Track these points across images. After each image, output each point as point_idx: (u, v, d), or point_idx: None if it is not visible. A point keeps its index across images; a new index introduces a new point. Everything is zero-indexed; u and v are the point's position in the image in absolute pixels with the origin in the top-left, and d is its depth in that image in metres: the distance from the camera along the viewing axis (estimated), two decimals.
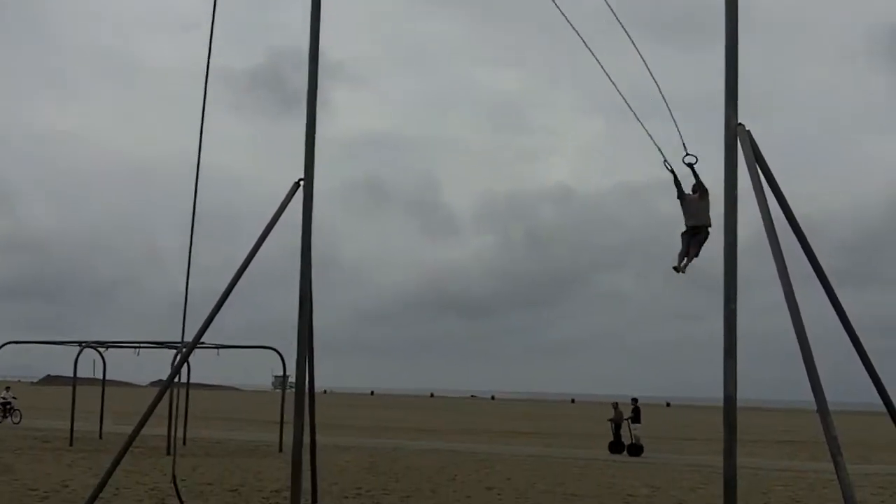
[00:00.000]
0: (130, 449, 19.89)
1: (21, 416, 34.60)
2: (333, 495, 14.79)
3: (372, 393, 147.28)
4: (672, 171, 11.27)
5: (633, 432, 27.29)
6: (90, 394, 27.46)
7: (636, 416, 27.51)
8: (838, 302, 9.93)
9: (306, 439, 12.05)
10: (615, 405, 29.08)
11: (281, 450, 24.06)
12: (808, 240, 9.77)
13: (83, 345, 25.11)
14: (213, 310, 11.81)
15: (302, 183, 11.96)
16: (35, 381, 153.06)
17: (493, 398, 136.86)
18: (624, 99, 11.35)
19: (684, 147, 11.05)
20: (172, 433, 20.57)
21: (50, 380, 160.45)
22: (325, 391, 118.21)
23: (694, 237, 11.53)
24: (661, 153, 11.36)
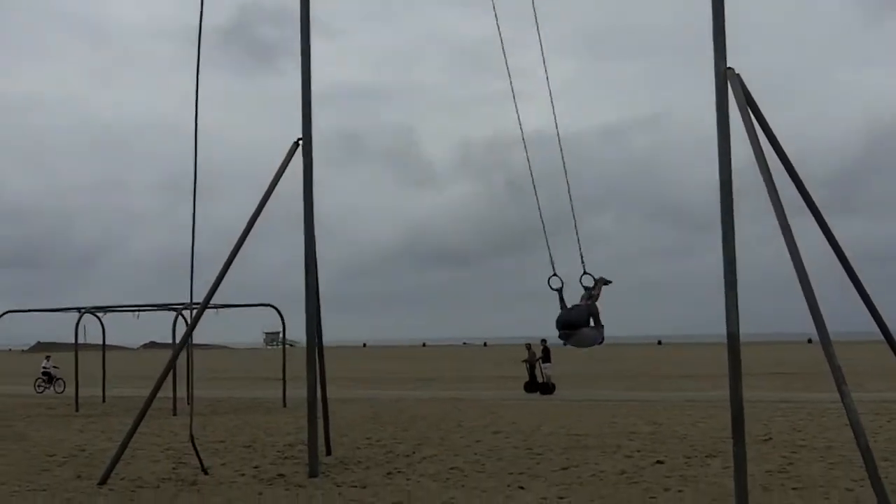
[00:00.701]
0: (135, 412, 20.28)
1: (65, 385, 32.85)
2: (346, 446, 15.14)
3: (364, 345, 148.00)
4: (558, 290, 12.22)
5: (544, 371, 28.65)
6: (84, 359, 27.69)
7: (546, 357, 28.80)
8: (832, 234, 10.24)
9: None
10: (528, 346, 30.19)
11: (285, 405, 24.40)
12: (801, 178, 10.06)
13: (83, 311, 25.33)
14: (221, 271, 12.07)
15: (301, 143, 12.18)
16: (26, 348, 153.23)
17: (485, 345, 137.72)
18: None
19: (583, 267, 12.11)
20: (190, 393, 20.92)
21: (41, 346, 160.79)
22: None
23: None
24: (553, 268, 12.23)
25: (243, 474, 12.36)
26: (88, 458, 14.35)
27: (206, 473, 12.15)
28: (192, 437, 12.73)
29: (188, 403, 22.90)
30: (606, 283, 12.25)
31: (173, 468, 13.05)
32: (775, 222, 8.96)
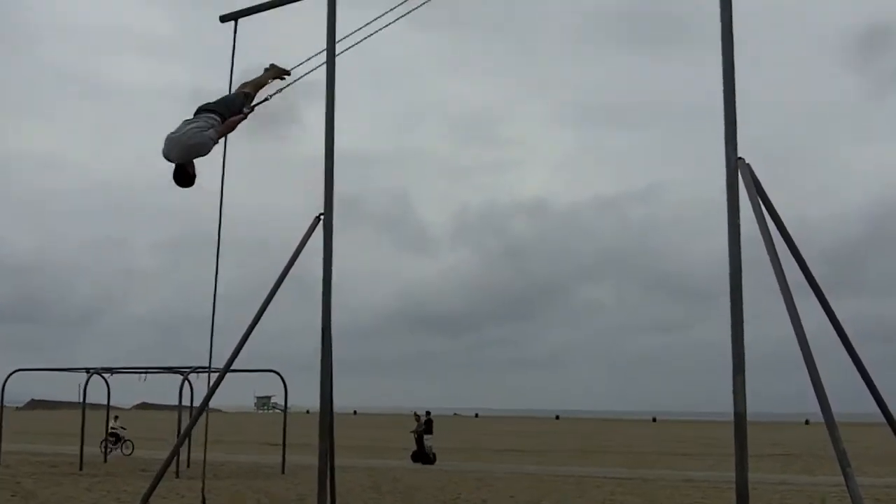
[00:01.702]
0: (139, 473, 20.31)
1: (133, 447, 32.20)
2: None
3: (355, 413, 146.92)
4: None
5: (425, 443, 30.10)
6: (78, 418, 27.82)
7: (428, 428, 30.36)
8: (834, 314, 10.52)
9: (311, 460, 12.56)
10: (417, 416, 31.60)
11: (283, 471, 24.49)
12: (808, 264, 10.41)
13: (91, 371, 25.55)
14: (242, 337, 12.34)
15: (322, 218, 12.53)
16: (20, 406, 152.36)
17: (476, 416, 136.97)
18: None
19: None
20: (205, 456, 21.04)
21: (35, 404, 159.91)
22: (307, 411, 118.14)
23: None
24: None
25: None
26: None
27: None
28: (203, 501, 12.91)
29: (184, 466, 23.04)
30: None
31: None
32: (772, 302, 9.30)
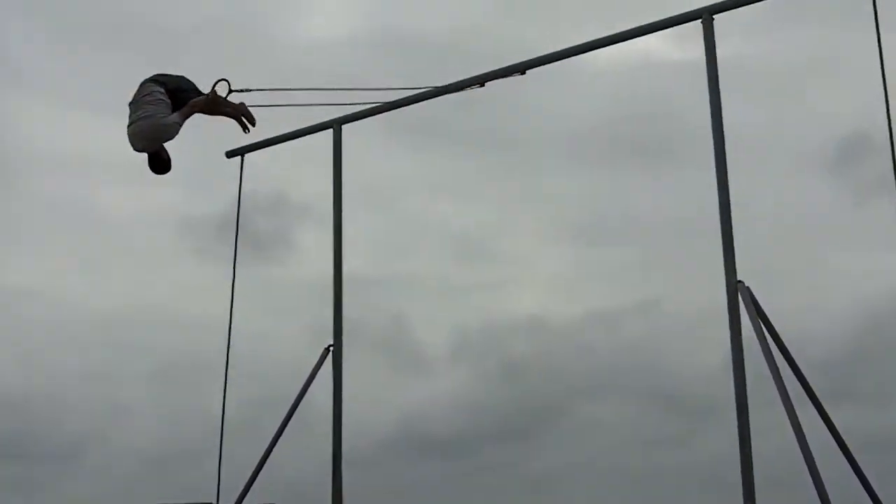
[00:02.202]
0: None
1: None
2: None
3: None
4: None
5: None
6: None
7: None
8: (833, 424, 10.60)
9: None
10: None
11: None
12: (807, 378, 10.58)
13: None
14: (251, 475, 12.36)
15: (332, 349, 12.69)
16: None
17: None
18: None
19: None
20: None
21: None
22: None
23: None
24: None
25: None
26: None
27: None
28: None
29: None
30: None
31: None
32: (767, 416, 9.44)
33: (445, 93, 11.89)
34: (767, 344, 9.71)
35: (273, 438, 12.33)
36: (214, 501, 23.40)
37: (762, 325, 9.86)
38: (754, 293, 10.15)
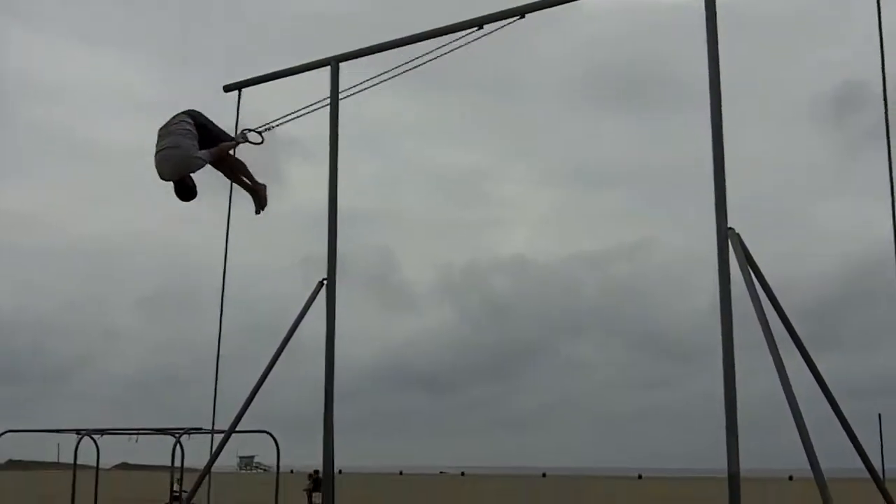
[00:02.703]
0: None
1: None
2: None
3: (340, 472, 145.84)
4: None
5: (313, 500, 32.82)
6: (58, 479, 27.76)
7: (316, 486, 32.77)
8: (818, 371, 10.89)
9: None
10: (310, 475, 34.94)
11: None
12: (794, 325, 10.82)
13: (82, 433, 25.59)
14: (246, 400, 12.59)
15: (325, 283, 12.87)
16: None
17: (462, 474, 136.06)
18: None
19: None
20: None
21: (12, 464, 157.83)
22: (291, 471, 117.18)
23: None
24: None
25: None
26: None
27: None
28: None
29: None
30: None
31: None
32: (753, 360, 9.70)
33: (445, 34, 11.96)
34: (756, 290, 9.93)
35: (265, 370, 12.54)
36: (209, 426, 23.82)
37: (751, 272, 10.08)
38: (744, 240, 10.38)
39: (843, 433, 11.19)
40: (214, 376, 13.22)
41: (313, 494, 32.52)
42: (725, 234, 10.31)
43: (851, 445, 11.12)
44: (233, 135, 11.41)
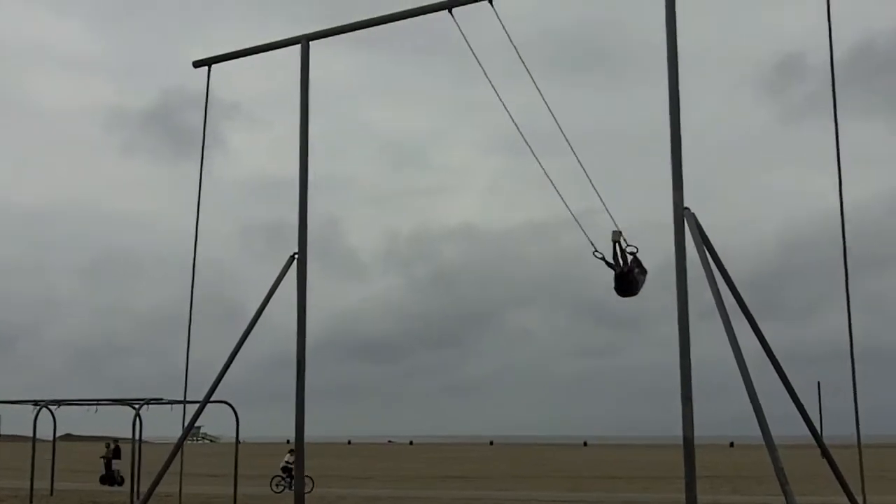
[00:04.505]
0: None
1: (313, 484, 28.93)
2: None
3: (288, 441, 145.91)
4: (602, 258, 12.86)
5: (114, 467, 34.13)
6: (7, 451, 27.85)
7: (116, 454, 34.45)
8: (765, 339, 11.51)
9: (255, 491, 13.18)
10: (107, 444, 35.81)
11: (235, 501, 24.85)
12: (742, 296, 11.43)
13: (40, 404, 25.64)
14: (221, 371, 12.97)
15: (297, 257, 13.25)
16: None
17: (411, 443, 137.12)
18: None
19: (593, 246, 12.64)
20: (181, 489, 21.34)
21: None
22: (241, 441, 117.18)
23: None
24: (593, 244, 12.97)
25: None
26: None
27: None
28: None
29: (138, 499, 23.18)
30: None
31: None
32: (699, 329, 10.33)
33: (413, 16, 12.39)
34: (710, 268, 10.51)
35: (238, 342, 12.92)
36: (161, 396, 23.76)
37: (705, 250, 10.65)
38: (696, 215, 10.92)
39: (789, 401, 11.88)
40: (186, 348, 13.51)
41: (113, 461, 34.22)
42: (682, 215, 10.83)
43: (798, 412, 11.81)
44: None
